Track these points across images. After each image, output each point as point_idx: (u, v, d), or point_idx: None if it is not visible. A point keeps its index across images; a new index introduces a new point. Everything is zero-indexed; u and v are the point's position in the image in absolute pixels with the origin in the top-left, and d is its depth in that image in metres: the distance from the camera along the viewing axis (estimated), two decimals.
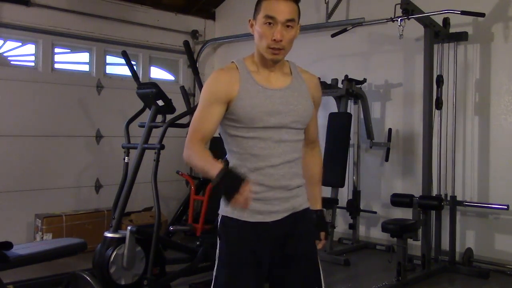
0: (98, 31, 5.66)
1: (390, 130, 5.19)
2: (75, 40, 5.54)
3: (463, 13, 4.17)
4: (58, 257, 3.06)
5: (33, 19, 5.16)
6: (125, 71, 5.70)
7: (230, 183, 1.63)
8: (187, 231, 4.19)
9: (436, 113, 4.57)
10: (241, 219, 1.82)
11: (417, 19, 4.26)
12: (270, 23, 1.78)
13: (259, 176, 1.80)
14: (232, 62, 1.89)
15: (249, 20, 1.88)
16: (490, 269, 4.37)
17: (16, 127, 5.08)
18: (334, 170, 4.96)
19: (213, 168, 1.68)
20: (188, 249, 4.04)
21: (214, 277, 1.87)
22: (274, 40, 1.78)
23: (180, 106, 3.99)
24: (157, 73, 6.50)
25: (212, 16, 6.89)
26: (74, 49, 5.68)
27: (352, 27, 4.87)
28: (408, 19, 4.18)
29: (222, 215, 1.87)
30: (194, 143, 1.80)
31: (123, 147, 3.89)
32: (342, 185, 5.02)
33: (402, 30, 4.19)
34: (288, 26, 1.79)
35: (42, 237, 4.79)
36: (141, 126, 3.91)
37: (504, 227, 4.54)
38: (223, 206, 1.86)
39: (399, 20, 4.19)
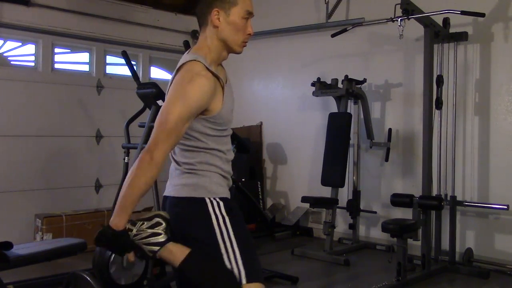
0: (98, 31, 5.66)
1: (390, 130, 5.19)
2: (75, 40, 5.55)
3: (463, 13, 4.16)
4: (58, 257, 3.05)
5: (33, 19, 5.16)
6: (125, 71, 5.70)
7: (115, 245, 1.75)
8: None
9: (436, 113, 4.57)
10: (229, 197, 1.91)
11: (417, 19, 4.25)
12: (247, 18, 1.83)
13: (228, 168, 1.90)
14: (198, 61, 1.76)
15: (217, 11, 1.79)
16: (490, 269, 4.37)
17: (16, 127, 5.08)
18: (334, 170, 4.97)
19: (123, 215, 1.72)
20: None
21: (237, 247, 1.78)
22: (249, 34, 1.84)
23: None
24: (157, 73, 6.50)
25: None
26: (74, 49, 5.68)
27: (352, 27, 4.87)
28: (408, 19, 4.17)
29: (222, 197, 1.85)
30: (162, 159, 1.75)
31: (123, 147, 3.89)
32: (342, 185, 5.02)
33: (402, 30, 4.19)
34: None
35: (42, 237, 4.79)
36: (141, 126, 3.92)
37: (504, 227, 4.54)
38: (216, 188, 1.84)
39: (399, 20, 4.19)
